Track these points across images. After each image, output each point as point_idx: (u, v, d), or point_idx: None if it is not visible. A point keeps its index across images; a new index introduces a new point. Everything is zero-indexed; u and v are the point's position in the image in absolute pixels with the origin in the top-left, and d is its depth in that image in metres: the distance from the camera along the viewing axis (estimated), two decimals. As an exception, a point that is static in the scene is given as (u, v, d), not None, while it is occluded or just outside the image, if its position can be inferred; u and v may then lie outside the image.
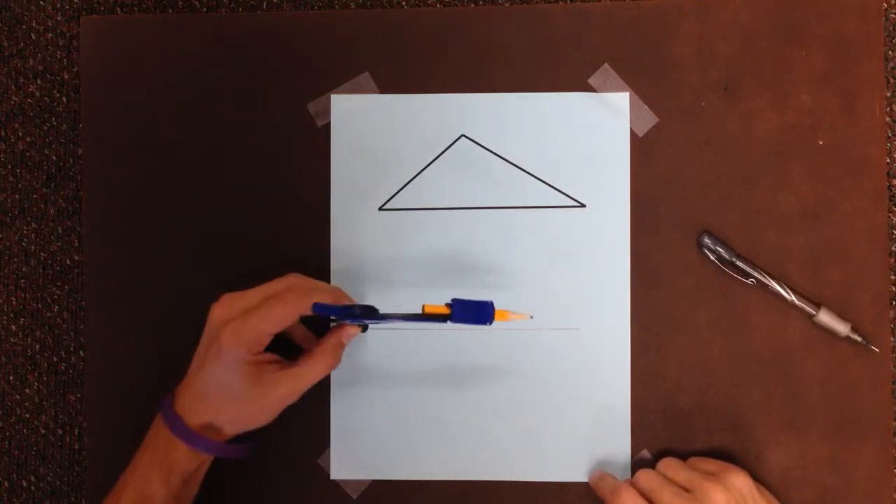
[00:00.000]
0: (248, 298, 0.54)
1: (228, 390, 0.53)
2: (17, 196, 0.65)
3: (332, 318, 0.58)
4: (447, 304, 0.53)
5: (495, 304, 0.53)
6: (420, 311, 0.53)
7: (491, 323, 0.53)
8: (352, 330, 0.56)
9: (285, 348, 0.56)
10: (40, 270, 0.65)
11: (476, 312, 0.53)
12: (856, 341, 0.59)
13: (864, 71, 0.61)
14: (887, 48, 0.62)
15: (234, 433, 0.54)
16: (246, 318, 0.52)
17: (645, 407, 0.61)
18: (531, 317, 0.57)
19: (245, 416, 0.54)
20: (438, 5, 0.64)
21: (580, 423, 0.61)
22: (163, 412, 0.54)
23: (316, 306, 0.52)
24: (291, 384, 0.54)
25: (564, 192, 0.61)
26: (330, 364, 0.55)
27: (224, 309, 0.53)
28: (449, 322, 0.53)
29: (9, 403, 0.64)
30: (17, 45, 0.65)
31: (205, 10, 0.65)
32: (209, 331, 0.54)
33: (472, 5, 0.63)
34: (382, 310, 0.54)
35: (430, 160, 0.62)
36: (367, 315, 0.54)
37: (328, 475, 0.61)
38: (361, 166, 0.62)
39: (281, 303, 0.52)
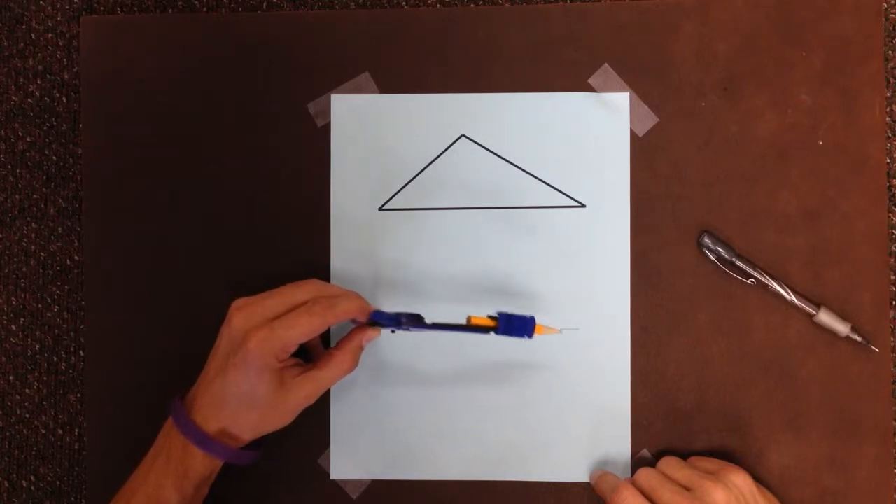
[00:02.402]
0: (269, 307, 0.53)
1: (251, 397, 0.52)
2: (17, 196, 0.65)
3: (369, 323, 0.58)
4: (491, 317, 0.55)
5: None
6: (465, 322, 0.55)
7: (531, 337, 0.55)
8: (372, 333, 0.57)
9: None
10: (40, 270, 0.65)
11: (520, 326, 0.55)
12: (856, 341, 0.59)
13: (864, 71, 0.61)
14: (887, 48, 0.62)
15: (251, 439, 0.54)
16: (274, 327, 0.52)
17: (645, 407, 0.61)
18: (561, 331, 0.59)
19: (265, 422, 0.54)
20: (438, 5, 0.64)
21: (580, 423, 0.61)
22: (175, 418, 0.53)
23: (375, 314, 0.55)
24: (312, 386, 0.54)
25: (564, 192, 0.61)
26: (350, 366, 0.56)
27: (247, 318, 0.53)
28: (493, 334, 0.54)
29: (9, 403, 0.64)
30: (17, 45, 0.65)
31: (205, 10, 0.65)
32: (231, 339, 0.53)
33: (472, 5, 0.63)
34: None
35: (430, 160, 0.62)
36: (414, 324, 0.55)
37: (328, 475, 0.61)
38: (361, 166, 0.62)
39: (309, 314, 0.52)
